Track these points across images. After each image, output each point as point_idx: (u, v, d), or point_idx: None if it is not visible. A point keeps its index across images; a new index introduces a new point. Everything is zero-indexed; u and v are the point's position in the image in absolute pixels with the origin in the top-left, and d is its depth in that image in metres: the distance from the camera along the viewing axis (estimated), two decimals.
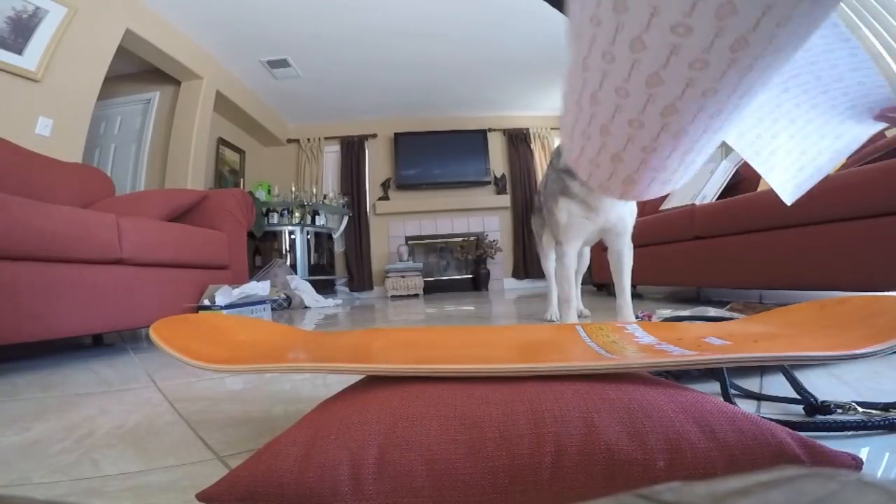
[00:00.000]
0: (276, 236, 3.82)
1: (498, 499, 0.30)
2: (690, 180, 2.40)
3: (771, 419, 0.46)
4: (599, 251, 2.75)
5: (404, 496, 0.30)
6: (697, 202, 2.12)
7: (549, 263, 1.54)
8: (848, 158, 1.67)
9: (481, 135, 4.71)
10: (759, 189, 1.95)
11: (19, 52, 1.95)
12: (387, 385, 0.40)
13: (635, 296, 2.67)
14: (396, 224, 4.68)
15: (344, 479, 0.30)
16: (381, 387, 0.40)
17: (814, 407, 0.51)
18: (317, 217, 4.13)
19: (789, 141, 0.48)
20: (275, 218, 3.86)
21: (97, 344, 1.53)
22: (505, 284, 4.67)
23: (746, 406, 0.54)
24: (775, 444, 0.31)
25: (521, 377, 0.37)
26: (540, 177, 4.74)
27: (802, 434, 0.33)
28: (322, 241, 4.22)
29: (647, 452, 0.30)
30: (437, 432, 0.32)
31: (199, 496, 0.32)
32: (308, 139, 4.68)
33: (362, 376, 0.46)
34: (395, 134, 4.65)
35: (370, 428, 0.33)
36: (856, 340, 0.35)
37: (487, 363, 0.39)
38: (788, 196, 0.54)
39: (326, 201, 4.31)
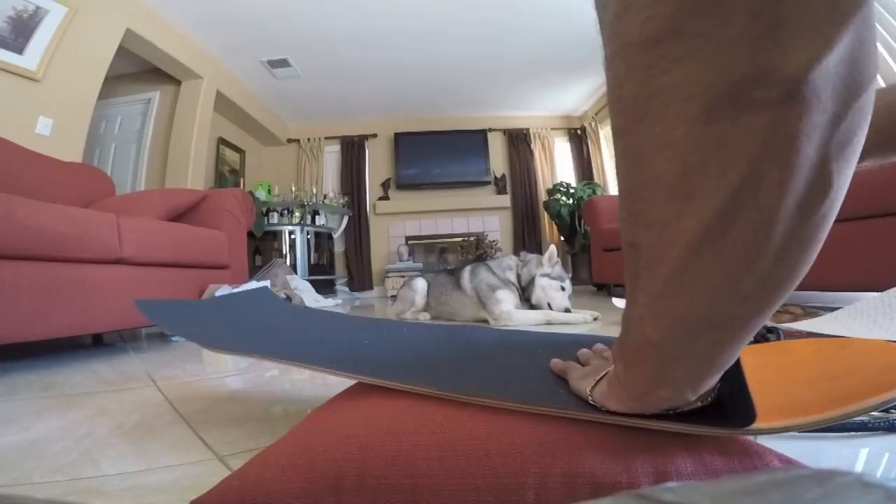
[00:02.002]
0: (276, 236, 3.81)
1: None
2: None
3: None
4: (600, 252, 2.75)
5: None
6: None
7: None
8: None
9: (481, 135, 4.71)
10: None
11: (20, 51, 1.95)
12: (377, 398, 0.40)
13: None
14: (396, 224, 4.67)
15: (328, 490, 0.31)
16: (370, 400, 0.40)
17: None
18: (317, 217, 4.13)
19: None
20: (275, 218, 3.85)
21: (97, 344, 1.53)
22: None
23: None
24: (762, 467, 0.31)
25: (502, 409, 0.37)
26: (540, 177, 4.74)
27: (790, 456, 0.33)
28: (322, 240, 4.22)
29: (633, 476, 0.30)
30: (423, 448, 0.32)
31: None
32: (308, 139, 4.68)
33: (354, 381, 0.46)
34: (395, 134, 4.65)
35: (357, 441, 0.33)
36: (843, 399, 0.31)
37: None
38: None
39: (326, 201, 4.31)
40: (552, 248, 1.82)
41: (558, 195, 4.08)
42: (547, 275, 1.74)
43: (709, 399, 0.31)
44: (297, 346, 0.58)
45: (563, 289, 1.73)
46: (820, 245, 0.21)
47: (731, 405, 0.32)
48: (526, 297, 1.78)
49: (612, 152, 4.06)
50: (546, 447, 0.32)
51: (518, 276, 1.81)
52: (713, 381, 0.28)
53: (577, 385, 0.37)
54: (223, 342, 0.57)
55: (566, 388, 0.39)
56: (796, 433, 0.46)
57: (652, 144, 0.20)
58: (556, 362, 0.44)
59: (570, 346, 0.52)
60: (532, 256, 1.83)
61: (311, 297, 3.14)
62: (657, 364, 0.27)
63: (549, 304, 1.70)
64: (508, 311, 1.68)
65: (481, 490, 0.30)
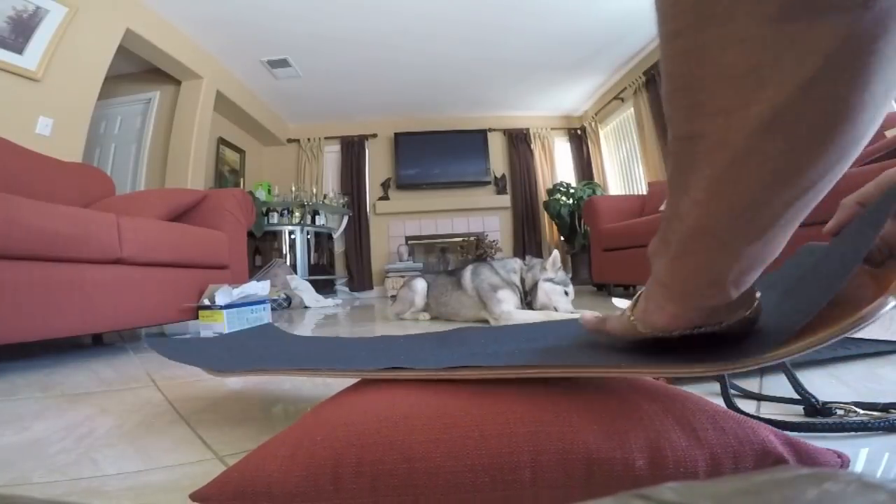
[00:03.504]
0: (276, 236, 3.82)
1: (479, 497, 0.31)
2: None
3: (769, 419, 0.47)
4: (600, 252, 2.75)
5: (384, 493, 0.31)
6: None
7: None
8: None
9: (481, 135, 4.71)
10: None
11: (20, 51, 1.95)
12: (374, 391, 0.40)
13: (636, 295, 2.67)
14: (396, 224, 4.68)
15: (327, 477, 0.31)
16: (368, 392, 0.40)
17: (814, 408, 0.51)
18: (317, 217, 4.13)
19: None
20: (275, 218, 3.86)
21: (97, 344, 1.53)
22: None
23: (746, 406, 0.54)
24: (758, 443, 0.31)
25: (503, 379, 0.38)
26: (540, 177, 4.74)
27: (787, 433, 0.33)
28: (322, 241, 4.22)
29: (627, 451, 0.30)
30: (419, 432, 0.33)
31: (193, 496, 0.33)
32: (308, 139, 4.68)
33: (357, 380, 0.46)
34: (395, 134, 4.65)
35: (355, 429, 0.34)
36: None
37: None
38: None
39: (326, 201, 4.31)
40: (555, 253, 1.84)
41: (558, 195, 4.08)
42: (551, 279, 1.75)
43: (746, 313, 0.30)
44: (299, 359, 0.60)
45: (566, 294, 1.74)
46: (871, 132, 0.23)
47: (756, 334, 0.31)
48: (528, 301, 1.78)
49: (612, 151, 4.02)
50: (541, 426, 0.32)
51: (522, 280, 1.82)
52: (754, 276, 0.28)
53: (615, 324, 0.37)
54: (228, 366, 0.59)
55: (565, 354, 0.39)
56: (798, 432, 0.46)
57: (719, 43, 0.21)
58: (588, 319, 0.42)
59: (572, 329, 0.52)
60: (536, 261, 1.85)
61: (311, 297, 3.14)
62: (707, 252, 0.27)
63: (555, 309, 1.71)
64: (509, 311, 1.68)
65: (478, 470, 0.31)
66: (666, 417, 0.32)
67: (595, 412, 0.33)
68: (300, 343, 0.78)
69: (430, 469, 0.31)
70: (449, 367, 0.39)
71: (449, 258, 4.55)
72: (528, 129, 4.78)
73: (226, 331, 1.49)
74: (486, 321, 1.72)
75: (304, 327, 2.02)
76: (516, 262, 1.89)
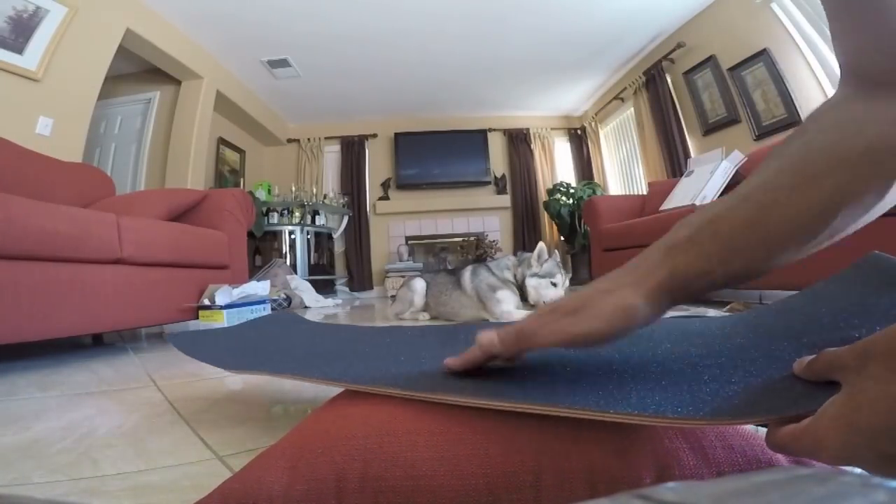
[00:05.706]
0: (276, 236, 3.82)
1: None
2: (691, 181, 2.41)
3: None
4: (599, 252, 2.75)
5: None
6: (697, 202, 2.12)
7: None
8: None
9: (481, 135, 4.71)
10: None
11: (20, 51, 1.95)
12: (373, 398, 0.39)
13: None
14: (396, 224, 4.68)
15: (330, 492, 0.31)
16: (367, 400, 0.39)
17: None
18: (317, 217, 4.13)
19: None
20: (275, 218, 3.86)
21: (97, 344, 1.53)
22: None
23: None
24: (766, 462, 0.31)
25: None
26: (540, 177, 4.74)
27: None
28: (322, 240, 4.22)
29: (633, 470, 0.30)
30: (423, 448, 0.32)
31: None
32: (308, 139, 4.68)
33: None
34: (395, 134, 4.65)
35: (356, 442, 0.33)
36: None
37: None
38: None
39: (326, 201, 4.31)
40: (540, 245, 1.80)
41: (558, 195, 4.08)
42: (536, 274, 1.74)
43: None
44: (307, 361, 0.59)
45: (554, 285, 1.72)
46: None
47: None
48: (524, 297, 1.78)
49: (612, 151, 4.02)
50: (546, 445, 0.31)
51: (515, 276, 1.82)
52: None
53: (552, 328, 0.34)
54: (241, 365, 0.58)
55: (562, 387, 0.36)
56: None
57: None
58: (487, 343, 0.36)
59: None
60: (527, 255, 1.84)
61: (311, 297, 3.14)
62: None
63: (544, 303, 1.70)
64: (509, 312, 1.68)
65: (481, 490, 0.30)
66: (674, 435, 0.32)
67: (601, 428, 0.32)
68: (313, 334, 0.75)
69: (434, 488, 0.30)
70: (455, 394, 0.36)
71: (448, 258, 4.55)
72: (528, 129, 4.78)
73: None
74: (487, 321, 1.72)
75: None
76: (509, 260, 1.89)
